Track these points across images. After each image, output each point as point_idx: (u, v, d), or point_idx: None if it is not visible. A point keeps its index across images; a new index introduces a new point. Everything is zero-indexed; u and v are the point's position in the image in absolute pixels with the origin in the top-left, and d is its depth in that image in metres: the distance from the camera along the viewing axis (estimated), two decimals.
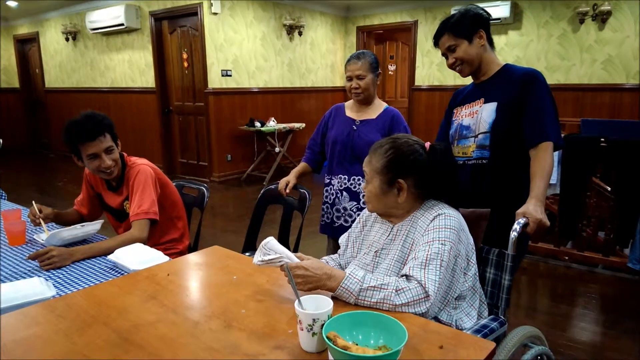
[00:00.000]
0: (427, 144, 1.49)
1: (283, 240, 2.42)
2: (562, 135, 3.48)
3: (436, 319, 1.31)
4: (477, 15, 1.85)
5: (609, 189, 3.38)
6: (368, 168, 1.50)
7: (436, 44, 1.93)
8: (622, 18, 5.89)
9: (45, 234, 1.92)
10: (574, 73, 6.34)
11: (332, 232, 2.47)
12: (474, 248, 1.45)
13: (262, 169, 7.02)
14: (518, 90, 1.77)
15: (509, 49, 6.75)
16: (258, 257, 1.37)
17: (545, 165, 1.68)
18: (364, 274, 1.28)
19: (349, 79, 2.36)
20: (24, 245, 1.93)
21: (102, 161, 1.97)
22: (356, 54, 2.37)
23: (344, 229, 2.36)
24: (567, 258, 3.63)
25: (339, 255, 1.70)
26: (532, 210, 1.58)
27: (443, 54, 1.93)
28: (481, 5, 1.97)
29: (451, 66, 1.91)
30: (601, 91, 6.18)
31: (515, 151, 1.79)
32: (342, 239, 1.71)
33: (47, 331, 1.14)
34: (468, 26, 1.83)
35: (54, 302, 1.31)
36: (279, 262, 1.34)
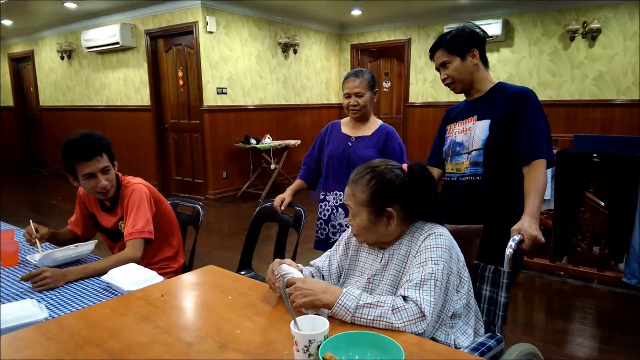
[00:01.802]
0: (405, 166, 1.46)
1: (279, 257, 2.40)
2: (555, 151, 3.53)
3: (433, 339, 1.30)
4: (473, 34, 1.88)
5: (603, 203, 3.40)
6: (352, 201, 1.44)
7: (431, 57, 1.96)
8: (611, 35, 5.99)
9: (39, 254, 1.90)
10: (565, 89, 6.43)
11: (328, 248, 2.46)
12: (465, 265, 1.44)
13: (258, 185, 7.01)
14: (511, 109, 1.79)
15: (501, 66, 6.83)
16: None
17: (539, 182, 1.69)
18: (360, 292, 1.27)
19: (347, 96, 2.37)
20: (16, 266, 1.90)
21: (98, 181, 1.96)
22: (354, 72, 2.38)
23: None
24: (562, 273, 3.63)
25: (325, 272, 1.62)
26: (527, 226, 1.59)
27: (437, 69, 1.96)
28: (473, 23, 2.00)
29: (443, 81, 1.94)
30: (592, 107, 6.26)
31: (508, 168, 1.80)
32: (323, 263, 1.63)
33: (38, 355, 1.13)
34: (462, 44, 1.86)
35: (46, 325, 1.29)
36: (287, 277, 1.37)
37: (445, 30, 2.00)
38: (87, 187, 2.00)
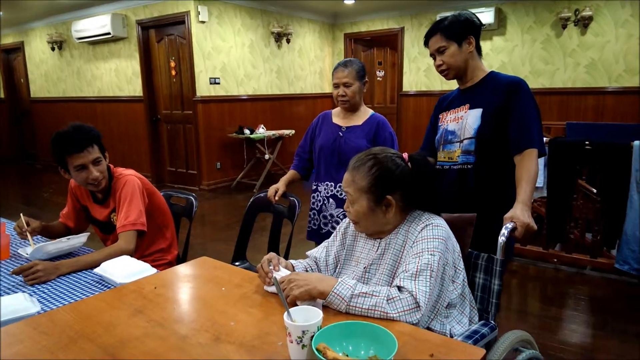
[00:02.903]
0: (405, 156, 1.46)
1: (273, 248, 2.41)
2: (548, 138, 3.54)
3: (429, 329, 1.31)
4: (469, 21, 1.87)
5: (595, 190, 3.42)
6: (351, 188, 1.43)
7: (426, 43, 1.94)
8: (603, 23, 5.99)
9: (31, 248, 1.89)
10: (558, 77, 6.43)
11: (319, 238, 2.46)
12: (460, 255, 1.45)
13: (252, 176, 7.00)
14: (503, 98, 1.79)
15: (494, 55, 6.82)
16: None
17: (531, 171, 1.70)
18: (355, 281, 1.28)
19: (336, 86, 2.36)
20: (7, 260, 1.89)
21: (89, 172, 1.95)
22: (343, 62, 2.37)
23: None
24: (555, 260, 3.65)
25: (322, 263, 1.63)
26: (520, 214, 1.59)
27: (431, 55, 1.94)
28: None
29: (437, 68, 1.93)
30: (585, 94, 6.27)
31: (500, 157, 1.81)
32: (320, 254, 1.64)
33: (30, 349, 1.12)
34: (459, 30, 1.85)
35: (38, 319, 1.28)
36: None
37: (439, 18, 1.98)
38: (78, 179, 1.98)
